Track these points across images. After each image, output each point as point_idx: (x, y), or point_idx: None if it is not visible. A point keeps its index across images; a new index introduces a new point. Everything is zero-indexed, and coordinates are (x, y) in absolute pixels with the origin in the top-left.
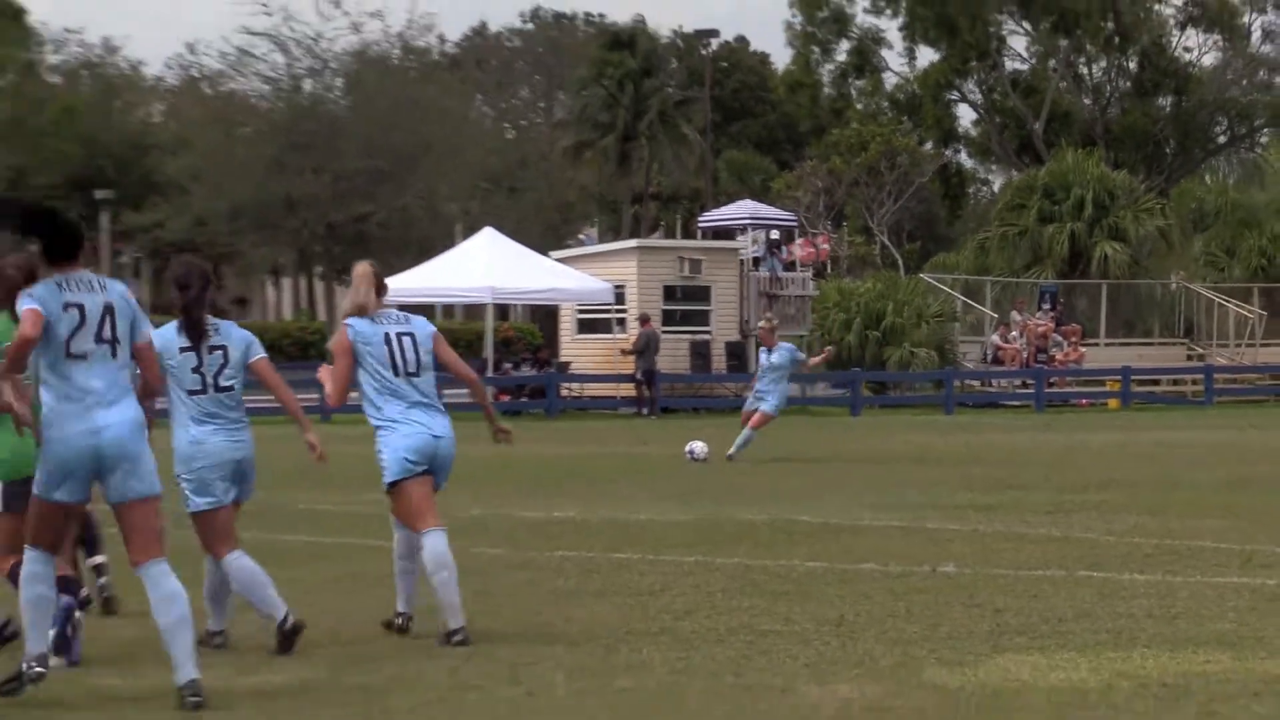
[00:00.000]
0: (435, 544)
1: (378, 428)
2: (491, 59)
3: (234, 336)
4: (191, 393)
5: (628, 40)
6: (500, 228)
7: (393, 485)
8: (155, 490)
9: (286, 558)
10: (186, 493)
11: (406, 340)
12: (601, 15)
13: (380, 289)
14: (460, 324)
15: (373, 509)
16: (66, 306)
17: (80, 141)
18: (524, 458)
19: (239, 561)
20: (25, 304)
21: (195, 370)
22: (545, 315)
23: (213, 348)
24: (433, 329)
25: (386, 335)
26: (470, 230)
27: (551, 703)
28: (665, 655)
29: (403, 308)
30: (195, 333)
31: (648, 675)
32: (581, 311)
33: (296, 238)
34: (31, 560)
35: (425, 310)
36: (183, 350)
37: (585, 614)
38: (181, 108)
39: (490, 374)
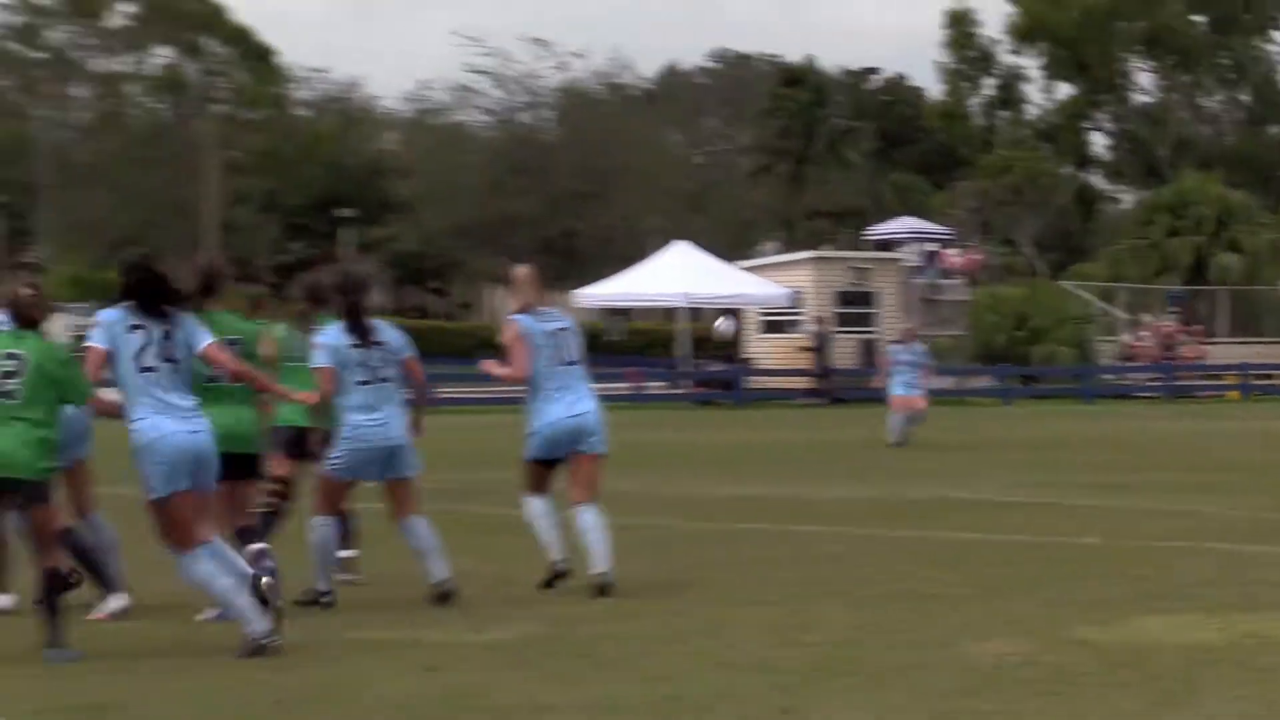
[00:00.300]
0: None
1: (532, 407)
2: (683, 93)
3: (391, 334)
4: (360, 383)
5: (801, 77)
6: (691, 241)
7: (529, 461)
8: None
9: (507, 528)
10: (334, 465)
11: (564, 335)
12: (779, 55)
13: (541, 289)
14: (657, 325)
15: None
16: (131, 328)
17: (325, 167)
18: (715, 443)
19: (324, 527)
20: (93, 339)
21: (363, 364)
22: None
23: (377, 344)
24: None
25: (548, 330)
26: (665, 243)
27: (746, 655)
28: (844, 615)
29: (612, 311)
30: (361, 332)
31: (829, 632)
32: (764, 314)
33: (514, 250)
34: (193, 560)
35: (624, 314)
36: (352, 347)
37: (774, 578)
38: (413, 137)
39: (686, 369)
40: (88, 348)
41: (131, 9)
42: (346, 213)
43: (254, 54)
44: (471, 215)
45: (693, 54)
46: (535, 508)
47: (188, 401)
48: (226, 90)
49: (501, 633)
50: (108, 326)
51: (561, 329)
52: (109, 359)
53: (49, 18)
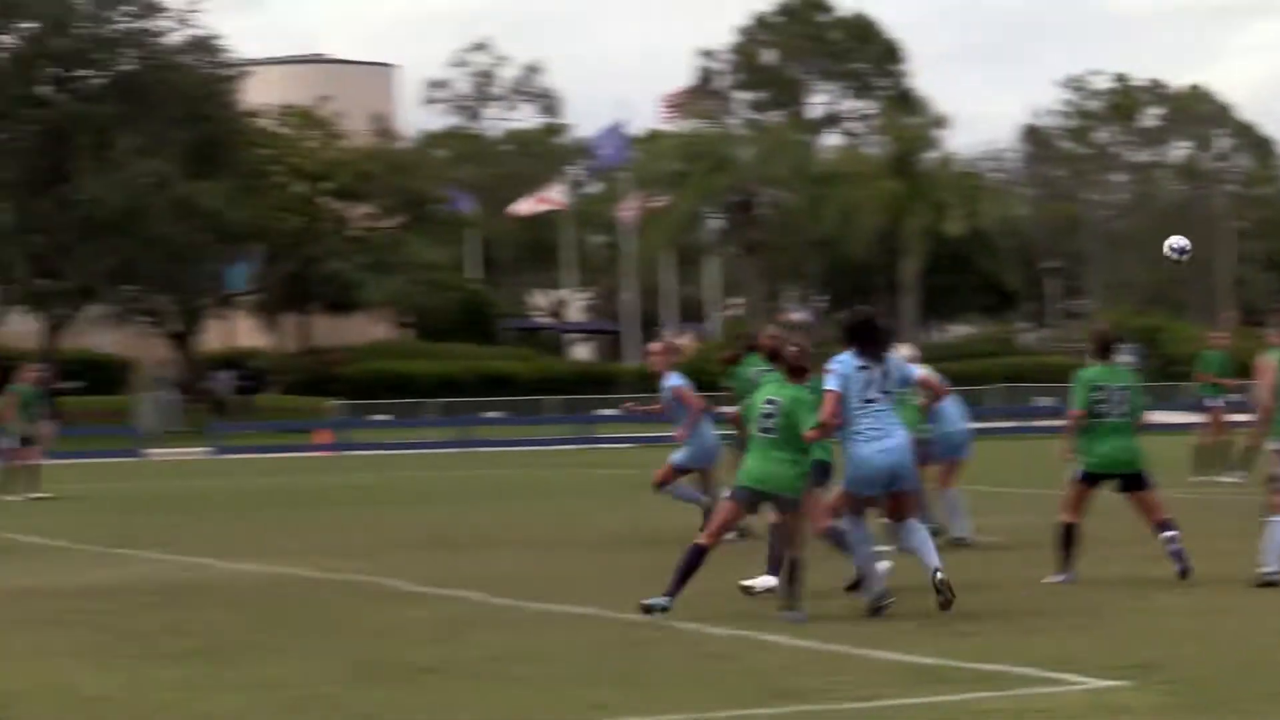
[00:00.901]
0: None
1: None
2: None
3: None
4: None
5: None
6: None
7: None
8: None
9: None
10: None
11: None
12: None
13: None
14: None
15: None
16: (859, 369)
17: None
18: None
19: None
20: (829, 384)
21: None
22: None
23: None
24: None
25: None
26: None
27: None
28: None
29: None
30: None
31: None
32: None
33: None
34: (852, 527)
35: None
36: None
37: None
38: None
39: None
40: (826, 391)
41: (1159, 111)
42: None
43: (1256, 144)
44: None
45: None
46: None
47: (895, 424)
48: (1234, 173)
49: None
50: (841, 372)
51: None
52: (841, 400)
53: (1095, 120)
